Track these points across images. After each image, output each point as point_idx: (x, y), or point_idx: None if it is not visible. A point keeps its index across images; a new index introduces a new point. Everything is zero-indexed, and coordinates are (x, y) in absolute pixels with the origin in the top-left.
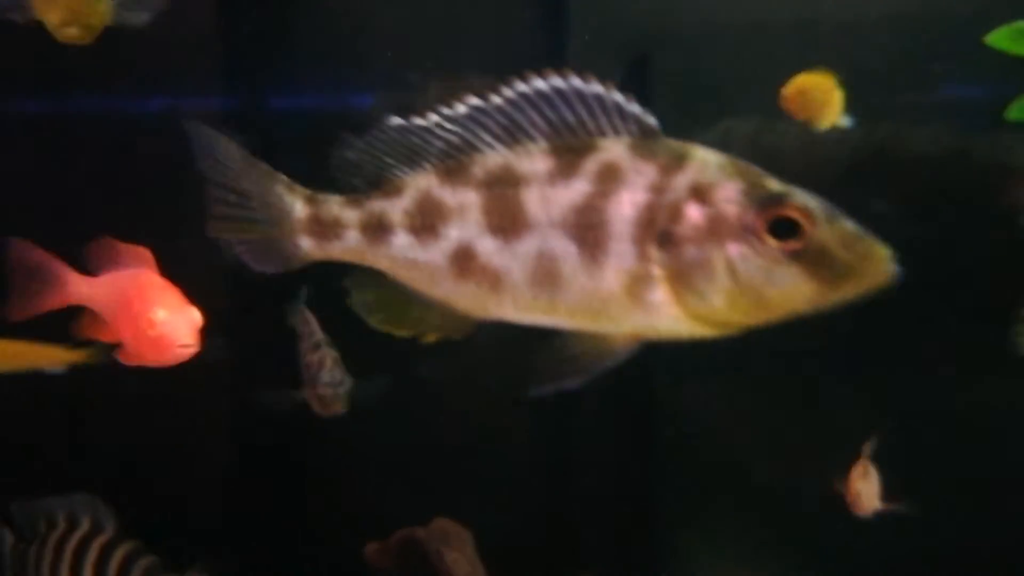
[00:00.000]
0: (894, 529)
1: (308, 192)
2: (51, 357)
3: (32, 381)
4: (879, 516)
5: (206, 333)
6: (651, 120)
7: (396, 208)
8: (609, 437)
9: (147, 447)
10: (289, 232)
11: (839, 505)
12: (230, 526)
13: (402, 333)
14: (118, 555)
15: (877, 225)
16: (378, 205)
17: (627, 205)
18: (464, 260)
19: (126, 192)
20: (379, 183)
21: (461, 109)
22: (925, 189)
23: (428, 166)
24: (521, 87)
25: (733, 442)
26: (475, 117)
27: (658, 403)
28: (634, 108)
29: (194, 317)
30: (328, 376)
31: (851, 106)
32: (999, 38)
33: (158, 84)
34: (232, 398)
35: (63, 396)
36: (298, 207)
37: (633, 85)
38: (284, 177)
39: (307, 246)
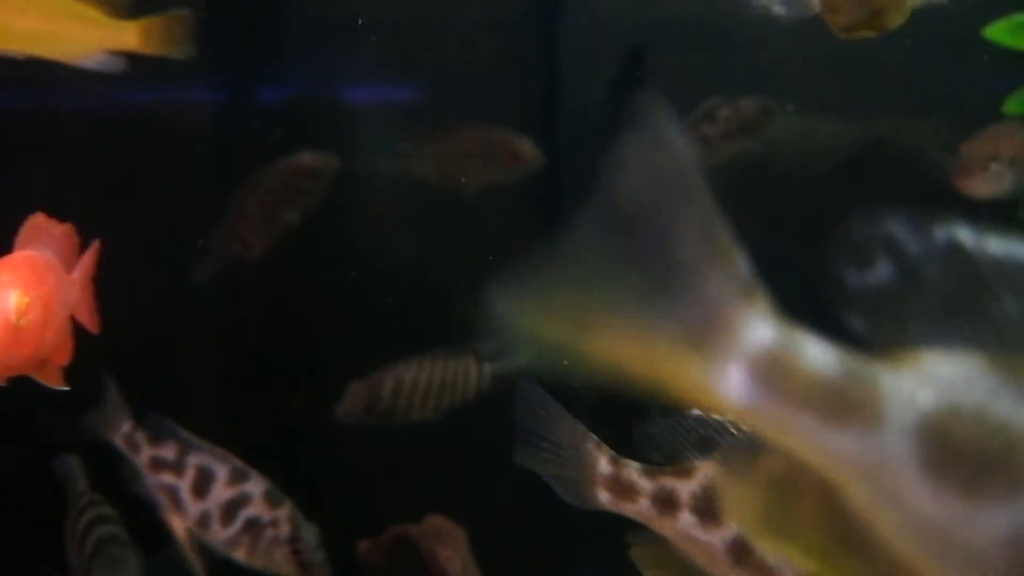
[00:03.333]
0: None
1: (613, 454)
2: None
3: None
4: None
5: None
6: None
7: (685, 489)
8: (607, 436)
9: None
10: (590, 482)
11: None
12: None
13: None
14: (85, 518)
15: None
16: (670, 483)
17: None
18: (740, 551)
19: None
20: (673, 461)
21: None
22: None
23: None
24: None
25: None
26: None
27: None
28: None
29: (8, 300)
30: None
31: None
32: (998, 31)
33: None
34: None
35: None
36: (602, 464)
37: (630, 75)
38: (594, 436)
39: (603, 498)
